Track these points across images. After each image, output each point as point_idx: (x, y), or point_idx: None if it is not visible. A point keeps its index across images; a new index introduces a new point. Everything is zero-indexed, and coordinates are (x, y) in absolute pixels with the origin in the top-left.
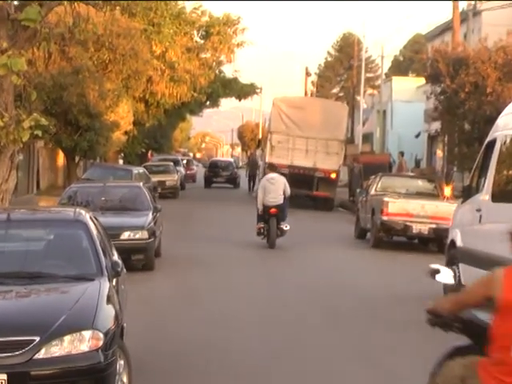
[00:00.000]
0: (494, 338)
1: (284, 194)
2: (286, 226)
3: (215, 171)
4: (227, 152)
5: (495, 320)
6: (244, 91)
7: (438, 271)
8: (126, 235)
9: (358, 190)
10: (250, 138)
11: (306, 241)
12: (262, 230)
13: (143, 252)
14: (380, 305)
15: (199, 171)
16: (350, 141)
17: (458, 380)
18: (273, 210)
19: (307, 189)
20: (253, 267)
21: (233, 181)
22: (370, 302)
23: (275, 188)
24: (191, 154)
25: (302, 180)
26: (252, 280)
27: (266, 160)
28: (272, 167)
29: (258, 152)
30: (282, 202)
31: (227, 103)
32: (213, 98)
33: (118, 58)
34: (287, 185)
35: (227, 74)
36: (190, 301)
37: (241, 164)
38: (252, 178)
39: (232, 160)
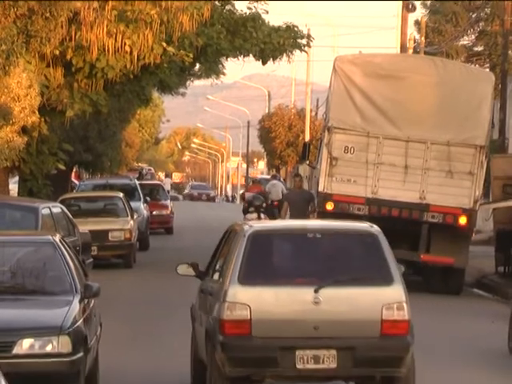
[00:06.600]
0: None
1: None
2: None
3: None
4: (238, 170)
5: None
6: (273, 44)
7: None
8: (24, 347)
9: None
10: (286, 142)
11: (418, 359)
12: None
13: (61, 383)
14: None
15: (181, 209)
16: (497, 148)
17: None
18: (276, 203)
19: (408, 248)
20: None
21: None
22: None
23: (276, 190)
24: (162, 175)
25: (396, 230)
26: None
27: (320, 188)
28: (273, 177)
29: (303, 169)
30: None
31: (237, 69)
32: (208, 58)
33: None
34: (284, 187)
35: (239, 8)
36: None
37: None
38: None
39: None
